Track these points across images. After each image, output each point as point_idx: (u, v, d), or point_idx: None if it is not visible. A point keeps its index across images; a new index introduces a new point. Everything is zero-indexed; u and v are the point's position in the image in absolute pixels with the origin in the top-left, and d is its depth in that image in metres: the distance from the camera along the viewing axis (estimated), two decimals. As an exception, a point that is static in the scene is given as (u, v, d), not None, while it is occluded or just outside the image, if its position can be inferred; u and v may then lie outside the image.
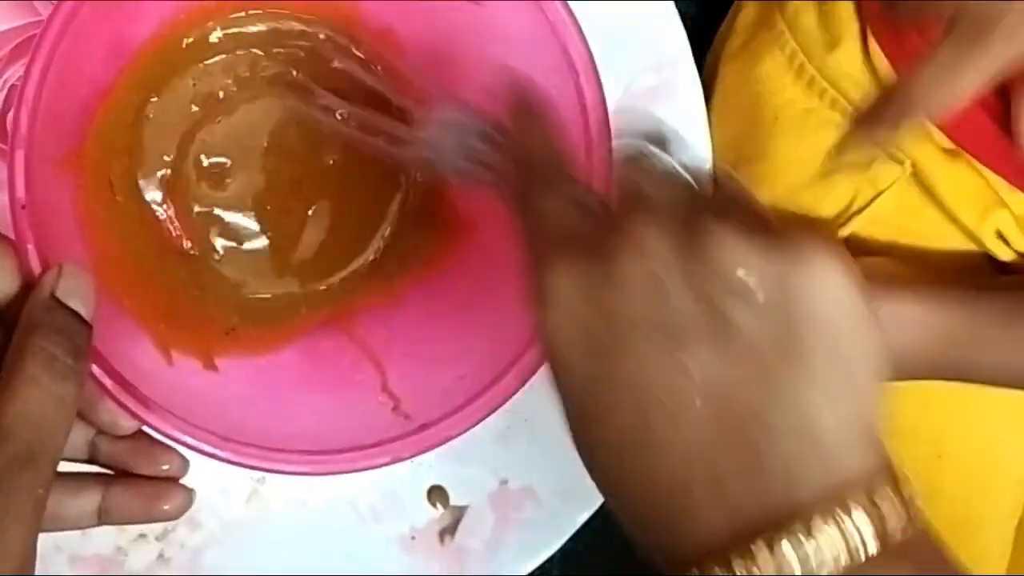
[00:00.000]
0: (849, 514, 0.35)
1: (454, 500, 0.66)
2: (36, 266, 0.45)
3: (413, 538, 0.66)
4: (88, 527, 0.49)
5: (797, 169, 0.74)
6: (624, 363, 0.37)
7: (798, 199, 0.73)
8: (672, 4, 0.66)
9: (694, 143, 0.68)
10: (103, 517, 0.49)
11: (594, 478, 0.40)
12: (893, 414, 0.37)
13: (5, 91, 0.62)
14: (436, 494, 0.66)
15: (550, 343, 0.39)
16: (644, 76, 0.66)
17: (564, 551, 0.68)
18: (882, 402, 0.37)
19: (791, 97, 0.74)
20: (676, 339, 0.36)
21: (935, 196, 0.70)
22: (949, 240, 0.72)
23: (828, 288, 0.36)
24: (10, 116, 0.62)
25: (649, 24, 0.66)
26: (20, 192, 0.45)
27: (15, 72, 0.62)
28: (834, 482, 0.35)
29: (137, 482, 0.50)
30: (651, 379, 0.37)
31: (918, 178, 0.71)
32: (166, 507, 0.50)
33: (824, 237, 0.36)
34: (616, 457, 0.38)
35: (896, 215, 0.72)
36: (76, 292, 0.45)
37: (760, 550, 0.35)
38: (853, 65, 0.72)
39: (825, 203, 0.73)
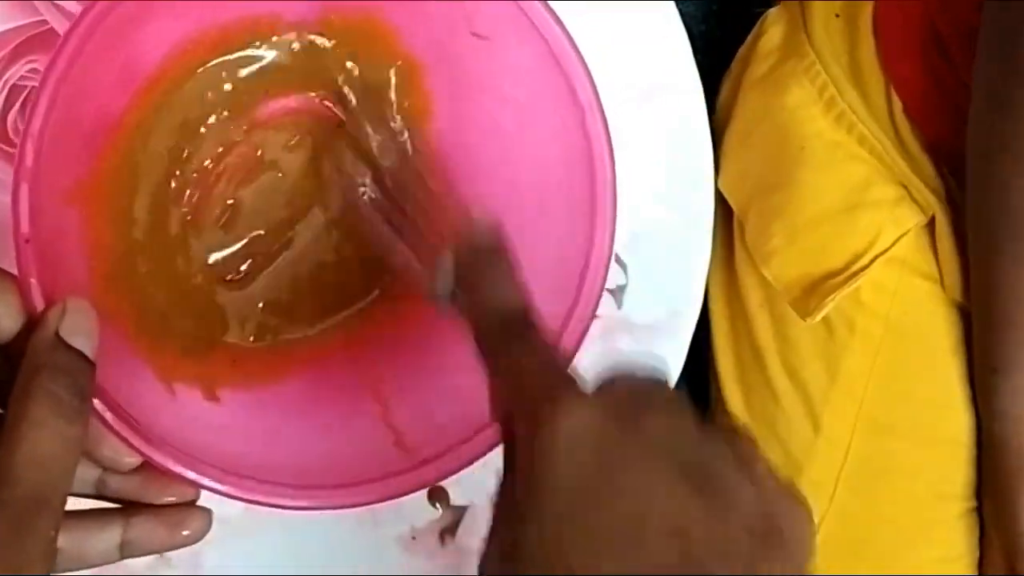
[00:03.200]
0: None
1: (454, 500, 0.67)
2: (39, 301, 0.45)
3: (413, 538, 0.67)
4: (113, 562, 0.49)
5: (820, 201, 0.73)
6: (629, 481, 0.38)
7: (819, 231, 0.73)
8: (672, 4, 0.66)
9: (695, 145, 0.68)
10: (125, 550, 0.49)
11: None
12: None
13: (5, 91, 0.62)
14: (436, 494, 0.66)
15: (555, 450, 0.40)
16: (644, 75, 0.66)
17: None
18: None
19: (819, 129, 0.74)
20: (686, 481, 0.39)
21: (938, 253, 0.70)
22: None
23: (805, 516, 0.42)
24: (10, 118, 0.63)
25: (648, 23, 0.66)
26: (24, 226, 0.44)
27: (15, 72, 0.61)
28: None
29: (158, 511, 0.50)
30: (651, 504, 0.38)
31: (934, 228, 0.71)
32: (186, 532, 0.50)
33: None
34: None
35: (914, 257, 0.72)
36: (80, 329, 0.44)
37: None
38: (878, 113, 0.72)
39: (847, 237, 0.72)
